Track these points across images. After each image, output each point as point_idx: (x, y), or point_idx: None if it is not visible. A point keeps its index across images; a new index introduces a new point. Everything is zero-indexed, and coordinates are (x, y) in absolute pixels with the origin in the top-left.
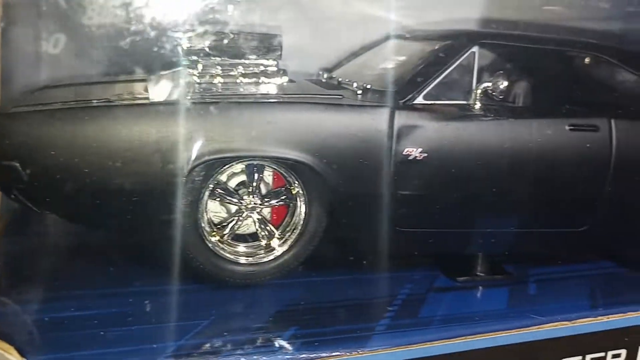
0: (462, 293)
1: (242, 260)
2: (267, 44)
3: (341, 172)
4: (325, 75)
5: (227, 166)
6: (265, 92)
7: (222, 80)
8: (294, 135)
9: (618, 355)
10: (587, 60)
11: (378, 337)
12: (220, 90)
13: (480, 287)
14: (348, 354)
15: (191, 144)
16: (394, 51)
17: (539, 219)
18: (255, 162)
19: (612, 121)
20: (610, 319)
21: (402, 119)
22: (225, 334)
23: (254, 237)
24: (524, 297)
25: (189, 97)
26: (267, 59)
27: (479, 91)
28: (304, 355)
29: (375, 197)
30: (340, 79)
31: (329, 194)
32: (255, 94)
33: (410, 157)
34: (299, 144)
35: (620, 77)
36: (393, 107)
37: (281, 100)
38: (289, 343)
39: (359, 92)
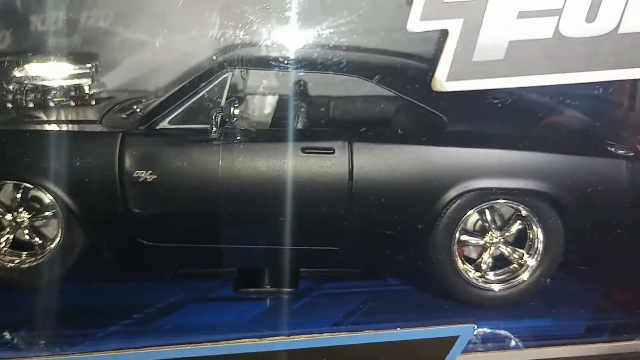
0: (225, 305)
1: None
2: (78, 68)
3: (78, 194)
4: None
5: None
6: (46, 118)
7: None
8: (36, 160)
9: None
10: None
11: (89, 343)
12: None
13: (253, 299)
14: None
15: None
16: None
17: (291, 237)
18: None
19: (353, 144)
20: (302, 339)
21: (135, 143)
22: None
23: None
24: (280, 311)
25: None
26: (79, 83)
27: (217, 116)
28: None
29: (113, 215)
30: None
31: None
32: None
33: (141, 179)
34: (40, 168)
35: (377, 99)
36: (127, 132)
37: (41, 128)
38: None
39: (123, 116)
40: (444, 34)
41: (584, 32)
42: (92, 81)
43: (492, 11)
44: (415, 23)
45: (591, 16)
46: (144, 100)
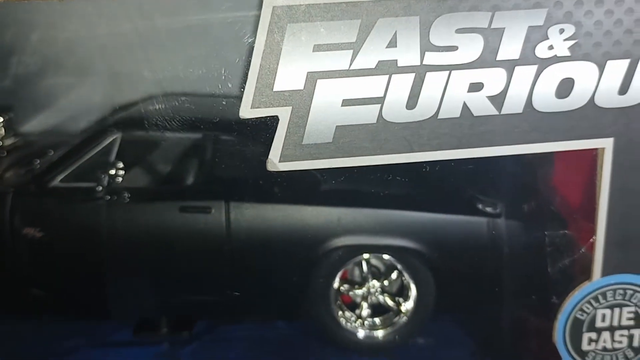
0: (118, 349)
1: None
2: None
3: None
4: None
5: None
6: None
7: None
8: None
9: None
10: (210, 142)
11: None
12: None
13: (147, 343)
14: None
15: None
16: None
17: (176, 289)
18: None
19: (229, 203)
20: None
21: (25, 203)
22: None
23: None
24: (167, 357)
25: None
26: None
27: (104, 175)
28: None
29: (6, 267)
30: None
31: None
32: None
33: (29, 236)
34: None
35: (255, 156)
36: (19, 192)
37: None
38: None
39: (22, 172)
40: (275, 119)
41: (406, 118)
42: (5, 133)
43: (318, 100)
44: (247, 111)
45: (411, 104)
46: (51, 152)
